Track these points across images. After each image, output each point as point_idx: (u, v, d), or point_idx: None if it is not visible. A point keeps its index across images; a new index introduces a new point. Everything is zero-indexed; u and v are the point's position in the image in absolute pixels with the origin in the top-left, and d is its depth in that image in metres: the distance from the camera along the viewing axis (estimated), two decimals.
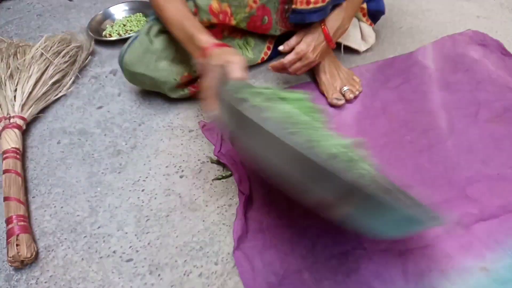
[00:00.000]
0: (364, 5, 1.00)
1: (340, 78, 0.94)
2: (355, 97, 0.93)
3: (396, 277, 0.61)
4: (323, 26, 0.83)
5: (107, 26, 1.30)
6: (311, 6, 0.78)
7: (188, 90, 0.95)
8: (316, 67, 0.96)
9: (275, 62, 0.88)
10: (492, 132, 0.80)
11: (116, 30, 1.26)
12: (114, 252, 0.70)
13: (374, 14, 1.03)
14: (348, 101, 0.92)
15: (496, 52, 0.99)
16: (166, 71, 0.88)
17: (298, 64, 0.86)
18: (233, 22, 0.92)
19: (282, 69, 0.88)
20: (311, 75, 1.00)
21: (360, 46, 1.04)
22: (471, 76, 0.94)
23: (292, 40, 0.86)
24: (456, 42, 1.04)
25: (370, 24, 1.04)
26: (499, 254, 0.62)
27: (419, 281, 0.60)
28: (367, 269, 0.62)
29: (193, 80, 0.94)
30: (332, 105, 0.91)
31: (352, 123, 0.87)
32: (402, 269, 0.61)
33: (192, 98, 0.97)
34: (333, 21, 0.83)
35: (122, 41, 1.23)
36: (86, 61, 1.16)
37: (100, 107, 1.01)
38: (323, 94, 0.94)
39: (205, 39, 0.70)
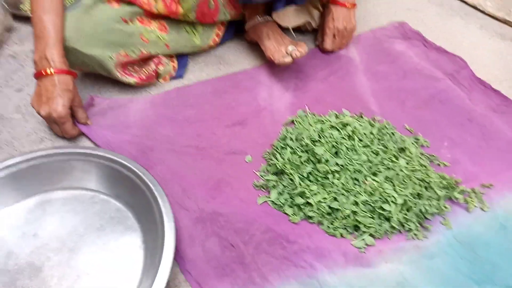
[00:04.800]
0: None
1: (284, 43, 0.92)
2: (301, 56, 0.88)
3: (336, 257, 0.62)
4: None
5: None
6: None
7: (134, 81, 0.88)
8: (260, 36, 0.94)
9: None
10: (419, 117, 0.86)
11: None
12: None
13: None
14: (295, 59, 0.87)
15: (418, 45, 1.05)
16: (100, 48, 0.80)
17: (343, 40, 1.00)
18: (181, 11, 0.87)
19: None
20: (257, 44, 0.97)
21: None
22: (397, 67, 0.98)
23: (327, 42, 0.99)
24: (377, 35, 1.08)
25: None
26: (430, 233, 0.66)
27: (357, 260, 0.62)
28: (309, 249, 0.63)
29: (132, 62, 0.87)
30: (280, 65, 0.89)
31: (286, 112, 0.87)
32: (343, 250, 0.63)
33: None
34: None
35: None
36: (2, 38, 1.02)
37: (19, 90, 0.91)
38: (270, 60, 0.91)
39: (57, 56, 0.72)
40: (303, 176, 0.70)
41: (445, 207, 0.68)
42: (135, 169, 0.64)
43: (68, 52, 0.78)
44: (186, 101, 0.88)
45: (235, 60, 1.01)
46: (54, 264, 0.59)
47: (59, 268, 0.59)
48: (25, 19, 1.11)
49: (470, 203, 0.69)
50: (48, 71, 0.71)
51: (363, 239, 0.64)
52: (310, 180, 0.70)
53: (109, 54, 0.81)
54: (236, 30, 1.04)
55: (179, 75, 0.95)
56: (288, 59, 0.87)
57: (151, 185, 0.61)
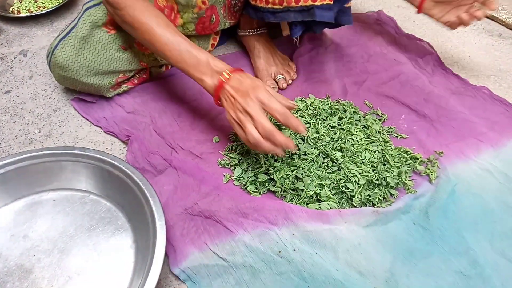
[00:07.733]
0: None
1: (275, 64, 0.92)
2: (288, 85, 0.92)
3: (299, 213, 0.64)
4: None
5: (15, 1, 1.15)
6: (269, 6, 0.78)
7: (126, 87, 0.86)
8: (251, 50, 0.94)
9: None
10: (378, 94, 0.90)
11: (26, 6, 1.12)
12: None
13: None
14: (281, 89, 0.91)
15: (390, 31, 1.08)
16: (100, 76, 0.79)
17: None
18: (180, 22, 0.85)
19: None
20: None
21: None
22: (364, 50, 1.01)
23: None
24: (355, 20, 1.10)
25: None
26: (395, 203, 0.68)
27: (318, 219, 0.64)
28: (271, 208, 0.64)
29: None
30: None
31: None
32: (305, 209, 0.65)
33: None
34: None
35: (32, 19, 1.11)
36: None
37: (7, 92, 0.90)
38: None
39: (220, 64, 0.66)
40: (267, 156, 0.71)
41: (409, 182, 0.70)
42: (125, 168, 0.63)
43: (66, 79, 0.78)
44: (173, 80, 0.90)
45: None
46: (44, 266, 0.59)
47: (50, 269, 0.58)
48: (13, 20, 1.10)
49: (431, 174, 0.72)
50: (226, 75, 0.65)
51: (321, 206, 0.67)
52: (275, 160, 0.71)
53: (109, 80, 0.80)
54: (228, 34, 1.04)
55: (173, 73, 0.94)
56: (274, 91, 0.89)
57: (141, 185, 0.61)
